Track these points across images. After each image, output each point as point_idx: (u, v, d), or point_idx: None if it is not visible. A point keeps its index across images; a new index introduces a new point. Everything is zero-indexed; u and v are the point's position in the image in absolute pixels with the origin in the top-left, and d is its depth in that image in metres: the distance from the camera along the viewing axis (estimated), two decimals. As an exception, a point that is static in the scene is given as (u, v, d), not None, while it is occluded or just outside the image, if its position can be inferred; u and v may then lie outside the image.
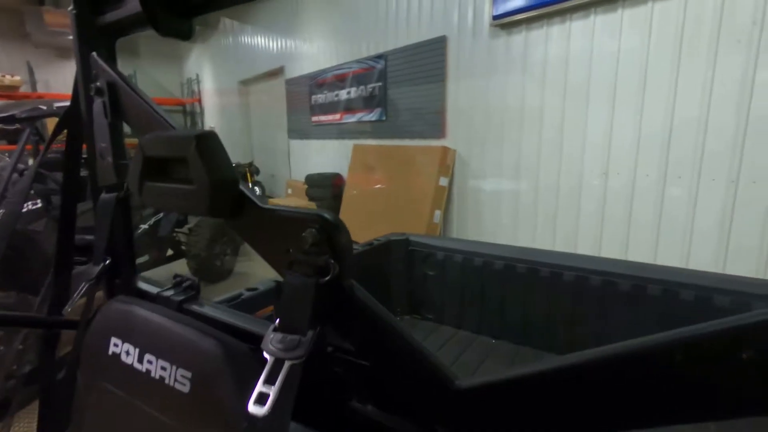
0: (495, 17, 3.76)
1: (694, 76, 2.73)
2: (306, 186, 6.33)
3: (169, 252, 4.07)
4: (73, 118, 0.79)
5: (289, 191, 7.07)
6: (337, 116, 6.17)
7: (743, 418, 0.30)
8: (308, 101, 6.79)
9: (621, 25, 3.04)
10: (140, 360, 0.60)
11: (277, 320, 0.48)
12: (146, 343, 0.61)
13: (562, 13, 3.33)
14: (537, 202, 3.77)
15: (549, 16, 3.41)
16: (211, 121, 10.75)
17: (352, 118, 5.87)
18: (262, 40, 8.10)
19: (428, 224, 4.43)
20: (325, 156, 6.68)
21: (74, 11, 0.75)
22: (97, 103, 0.72)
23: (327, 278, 0.47)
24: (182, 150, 0.53)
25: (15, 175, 2.67)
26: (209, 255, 4.06)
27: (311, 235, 0.47)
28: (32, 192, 2.80)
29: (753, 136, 2.55)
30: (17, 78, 8.52)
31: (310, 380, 0.47)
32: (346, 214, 5.67)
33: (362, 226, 5.29)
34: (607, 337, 1.38)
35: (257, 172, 8.43)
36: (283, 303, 0.48)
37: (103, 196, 0.76)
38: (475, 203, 4.38)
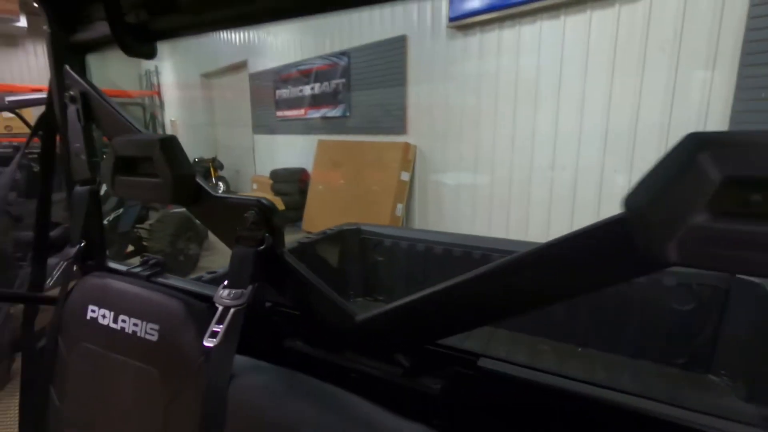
0: (451, 19, 3.94)
1: (627, 81, 3.01)
2: (271, 181, 6.33)
3: (130, 248, 4.04)
4: (48, 122, 0.89)
5: (255, 186, 7.05)
6: (302, 111, 6.21)
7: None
8: (273, 96, 6.78)
9: (564, 31, 3.29)
10: (115, 321, 0.72)
11: (226, 281, 0.62)
12: (120, 307, 0.73)
13: (513, 18, 3.55)
14: (492, 194, 4.01)
15: (501, 20, 3.63)
16: (171, 114, 10.47)
17: (316, 114, 5.94)
18: (225, 33, 7.97)
19: (391, 218, 4.60)
20: (291, 151, 6.71)
21: (48, 30, 0.85)
22: (71, 110, 0.82)
23: (263, 247, 0.62)
24: (149, 151, 0.65)
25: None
26: (172, 251, 4.05)
27: (251, 216, 0.62)
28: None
29: (675, 135, 2.86)
30: (-43, 67, 8.01)
31: (253, 326, 0.62)
32: (311, 209, 5.75)
33: (327, 221, 5.38)
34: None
35: (221, 167, 8.32)
36: (230, 268, 0.63)
37: (77, 189, 0.87)
38: (435, 196, 4.58)
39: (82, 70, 0.87)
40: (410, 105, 4.61)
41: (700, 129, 2.76)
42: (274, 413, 0.53)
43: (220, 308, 0.58)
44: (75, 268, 0.84)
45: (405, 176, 4.63)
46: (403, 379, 0.62)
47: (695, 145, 0.31)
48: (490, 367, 0.58)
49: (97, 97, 0.80)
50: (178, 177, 0.64)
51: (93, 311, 0.74)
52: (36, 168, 3.17)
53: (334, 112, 5.59)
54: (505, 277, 0.48)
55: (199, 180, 0.69)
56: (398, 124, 4.74)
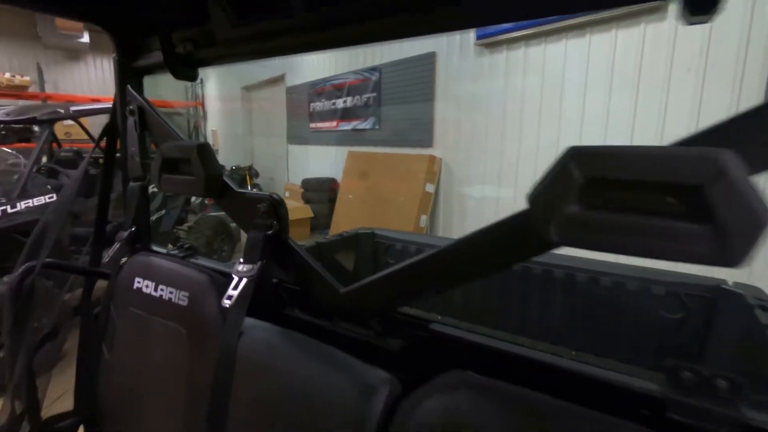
0: (479, 37, 4.07)
1: (652, 98, 3.02)
2: (302, 190, 6.59)
3: (170, 247, 4.34)
4: (111, 130, 1.09)
5: (287, 194, 7.35)
6: (334, 123, 6.46)
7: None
8: (307, 108, 7.09)
9: (589, 49, 3.34)
10: (155, 290, 0.90)
11: (242, 258, 0.77)
12: (160, 279, 0.90)
13: (539, 36, 3.64)
14: (515, 207, 4.03)
15: (527, 38, 3.72)
16: (213, 124, 11.06)
17: (347, 126, 6.17)
18: (265, 49, 8.40)
19: (415, 228, 4.70)
20: (322, 161, 6.97)
21: (116, 57, 1.05)
22: (130, 120, 1.02)
23: (271, 232, 0.77)
24: (188, 154, 0.82)
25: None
26: (208, 251, 4.33)
27: (263, 207, 0.78)
28: (48, 187, 3.09)
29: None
30: (27, 78, 8.80)
31: (263, 298, 0.76)
32: (339, 217, 5.94)
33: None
34: (527, 308, 1.65)
35: (256, 175, 8.68)
36: (245, 248, 0.78)
37: (131, 184, 1.06)
38: (459, 208, 4.66)
39: (140, 89, 1.07)
40: (437, 119, 4.74)
41: (727, 148, 2.73)
42: (274, 362, 0.66)
43: (236, 278, 0.73)
44: (124, 260, 1.03)
45: (430, 188, 4.74)
46: (375, 339, 0.75)
47: (570, 155, 0.43)
48: (439, 330, 0.70)
49: (150, 110, 0.99)
50: (209, 175, 0.80)
51: (138, 282, 0.92)
52: (92, 171, 3.51)
53: (365, 124, 5.80)
54: (444, 259, 0.60)
55: (226, 178, 0.85)
56: (425, 137, 4.87)
